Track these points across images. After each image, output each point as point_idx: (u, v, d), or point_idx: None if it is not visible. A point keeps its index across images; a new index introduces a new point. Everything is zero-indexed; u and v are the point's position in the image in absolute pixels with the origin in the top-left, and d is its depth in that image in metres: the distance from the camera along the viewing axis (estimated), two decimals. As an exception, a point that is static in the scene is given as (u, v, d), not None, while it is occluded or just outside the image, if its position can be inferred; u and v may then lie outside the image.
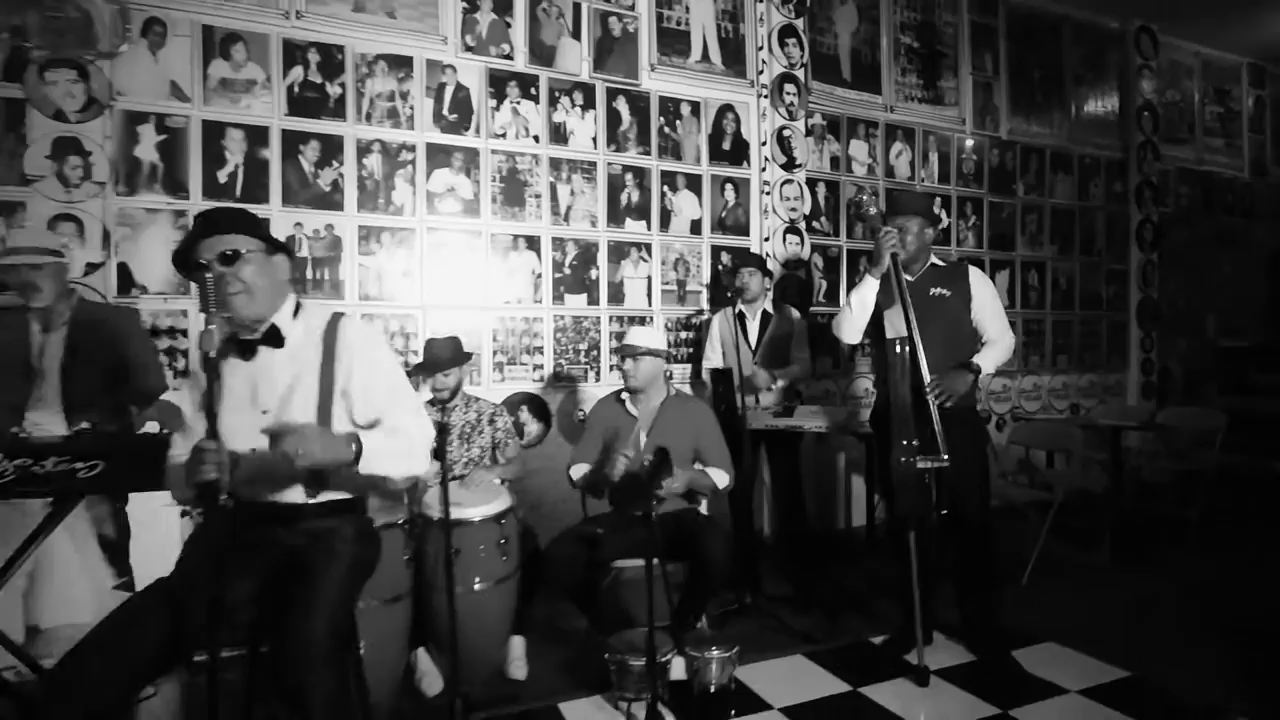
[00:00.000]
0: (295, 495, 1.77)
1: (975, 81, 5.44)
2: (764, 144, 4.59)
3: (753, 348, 3.88)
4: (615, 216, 4.22)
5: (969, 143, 5.41)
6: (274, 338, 1.77)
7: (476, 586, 2.64)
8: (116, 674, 1.53)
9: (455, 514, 2.54)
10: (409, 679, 2.71)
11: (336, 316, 1.86)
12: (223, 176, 3.43)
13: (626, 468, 2.77)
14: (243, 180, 3.46)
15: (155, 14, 3.31)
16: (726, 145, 4.53)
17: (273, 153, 3.51)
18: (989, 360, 2.82)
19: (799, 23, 4.69)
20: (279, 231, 3.48)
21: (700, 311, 4.43)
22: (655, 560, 2.44)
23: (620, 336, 4.18)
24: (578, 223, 4.13)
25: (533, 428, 3.99)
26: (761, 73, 4.59)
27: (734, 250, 4.50)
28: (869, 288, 2.82)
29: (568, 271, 4.10)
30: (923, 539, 2.73)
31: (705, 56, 4.48)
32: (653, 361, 2.95)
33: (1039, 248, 5.75)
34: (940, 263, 2.95)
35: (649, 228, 4.31)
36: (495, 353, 3.93)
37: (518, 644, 2.87)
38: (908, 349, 2.67)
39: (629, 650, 2.55)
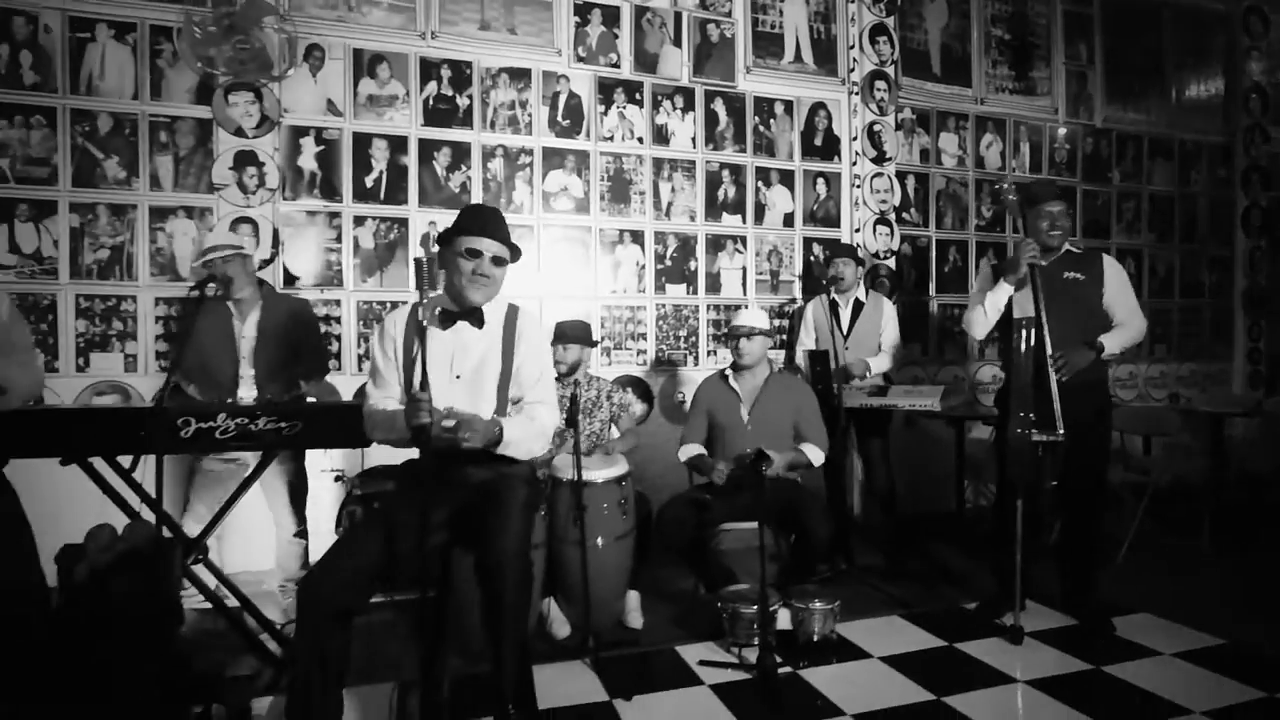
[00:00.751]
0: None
1: (1069, 70, 5.44)
2: (855, 139, 4.77)
3: (845, 333, 4.08)
4: (713, 211, 4.49)
5: (1062, 131, 5.42)
6: (477, 318, 2.13)
7: (599, 542, 2.96)
8: (354, 580, 1.91)
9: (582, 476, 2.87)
10: (540, 625, 3.06)
11: (514, 308, 2.23)
12: (369, 181, 3.89)
13: (730, 473, 3.04)
14: (386, 184, 3.91)
15: (316, 41, 3.79)
16: (818, 141, 4.74)
17: (411, 159, 3.94)
18: (1114, 341, 2.94)
19: (889, 21, 4.85)
20: (417, 229, 3.92)
21: (792, 300, 4.65)
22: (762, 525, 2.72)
23: (717, 324, 4.46)
24: (678, 218, 4.42)
25: (637, 408, 4.31)
26: (853, 71, 4.77)
27: (825, 242, 4.71)
28: (1003, 294, 2.97)
29: (669, 263, 4.40)
30: (1029, 509, 2.89)
31: (798, 57, 4.69)
32: (761, 340, 3.22)
33: (1136, 235, 5.69)
34: (1075, 249, 3.09)
35: (744, 221, 4.56)
36: (603, 339, 4.27)
37: (633, 597, 3.19)
38: (1032, 330, 2.81)
39: (739, 601, 2.83)
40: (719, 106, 4.51)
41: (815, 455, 3.15)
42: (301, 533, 3.31)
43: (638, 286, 4.35)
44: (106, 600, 1.98)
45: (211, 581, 2.71)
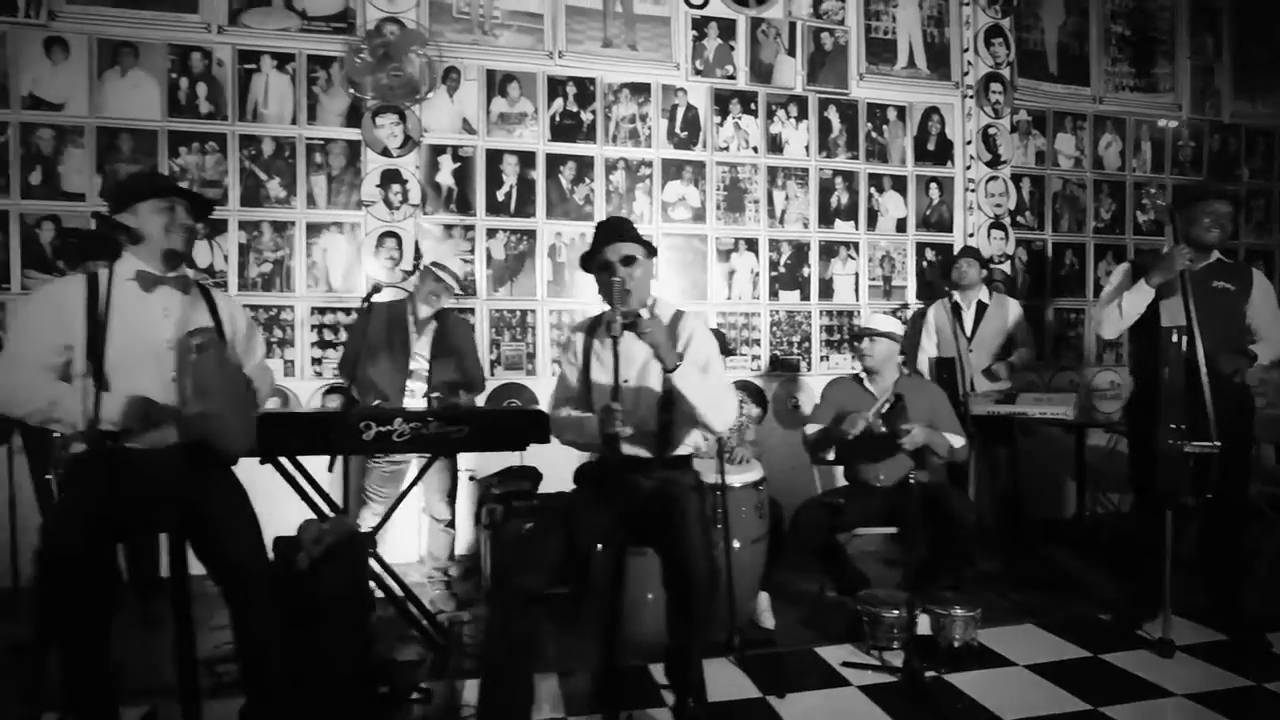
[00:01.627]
0: (647, 450, 2.25)
1: (1193, 65, 5.24)
2: (969, 143, 4.73)
3: (969, 335, 4.07)
4: (826, 218, 4.54)
5: (1172, 124, 5.22)
6: (634, 326, 2.25)
7: (736, 544, 3.06)
8: (541, 569, 2.07)
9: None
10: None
11: (680, 313, 2.34)
12: (500, 195, 4.09)
13: (865, 427, 3.07)
14: (516, 198, 4.11)
15: (452, 63, 4.01)
16: (931, 146, 4.72)
17: (539, 173, 4.13)
18: (1266, 353, 2.89)
19: (1005, 22, 4.78)
20: (544, 240, 4.10)
21: (904, 305, 4.65)
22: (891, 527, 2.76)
23: (830, 329, 4.51)
24: (791, 225, 4.48)
25: (752, 412, 4.39)
26: (967, 74, 4.73)
27: (938, 247, 4.69)
28: (1143, 296, 2.93)
29: (782, 270, 4.46)
30: (1177, 520, 2.85)
31: (911, 62, 4.68)
32: (888, 344, 3.25)
33: (1267, 235, 5.44)
34: (1226, 259, 3.03)
35: (857, 227, 4.59)
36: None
37: (764, 598, 3.28)
38: (1184, 338, 2.77)
39: (879, 605, 2.89)
40: (832, 114, 4.54)
41: (956, 440, 3.14)
42: (451, 524, 3.54)
43: (752, 293, 4.43)
44: (319, 588, 2.19)
45: (382, 573, 2.94)
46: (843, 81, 4.55)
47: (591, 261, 2.30)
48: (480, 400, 4.00)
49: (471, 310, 4.05)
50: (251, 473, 2.54)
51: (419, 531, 3.69)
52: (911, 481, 2.84)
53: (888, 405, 2.90)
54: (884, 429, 3.04)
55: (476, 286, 4.06)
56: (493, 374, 4.06)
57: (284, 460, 2.70)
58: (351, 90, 3.85)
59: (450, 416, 2.77)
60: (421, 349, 3.44)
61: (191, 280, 2.18)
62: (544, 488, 3.61)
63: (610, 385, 2.05)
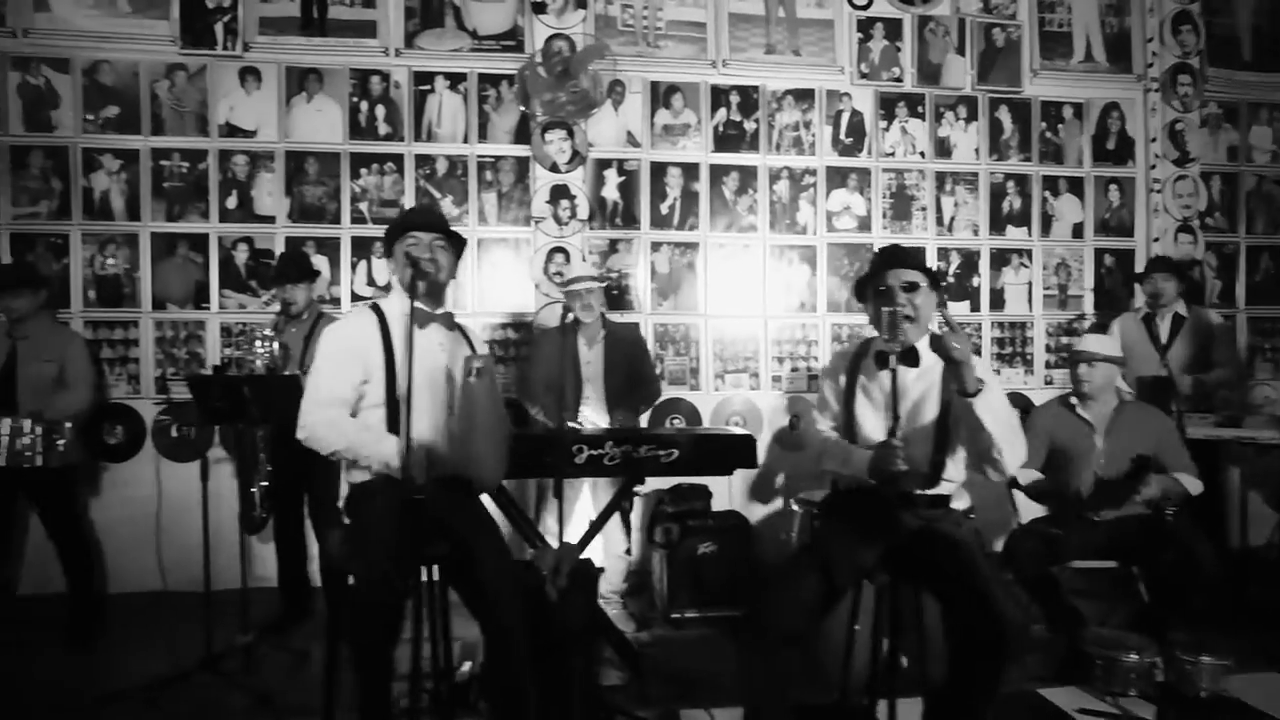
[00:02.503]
0: (915, 486, 2.13)
1: None
2: (1153, 140, 4.39)
3: (1162, 352, 3.78)
4: (996, 224, 4.30)
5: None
6: (911, 357, 2.13)
7: (941, 574, 2.90)
8: (799, 608, 1.98)
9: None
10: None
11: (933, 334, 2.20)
12: (664, 208, 4.04)
13: (1098, 477, 2.87)
14: (679, 210, 4.05)
15: (618, 77, 3.98)
16: (1110, 145, 4.41)
17: (702, 185, 4.06)
18: None
19: (1194, 7, 4.42)
20: (708, 253, 4.03)
21: (1080, 316, 4.36)
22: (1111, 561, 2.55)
23: (1000, 341, 4.27)
24: (960, 232, 4.27)
25: (918, 429, 4.20)
26: (1151, 65, 4.40)
27: (1118, 253, 4.38)
28: None
29: (951, 280, 4.25)
30: None
31: (1088, 56, 4.39)
32: (1108, 369, 3.02)
33: None
34: None
35: (1030, 234, 4.33)
36: (882, 358, 4.19)
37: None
38: None
39: (1113, 647, 2.68)
40: (1003, 114, 4.30)
41: (1192, 484, 2.91)
42: (629, 550, 3.50)
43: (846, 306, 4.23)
44: (567, 618, 2.17)
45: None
46: (1015, 79, 4.30)
47: (866, 287, 2.18)
48: (643, 415, 3.98)
49: (636, 324, 4.01)
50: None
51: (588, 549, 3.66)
52: (1169, 515, 2.62)
53: (1131, 468, 2.69)
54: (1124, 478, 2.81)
55: (641, 301, 4.02)
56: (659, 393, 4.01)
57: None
58: (523, 107, 3.87)
59: (661, 439, 2.72)
60: (592, 361, 3.41)
61: (453, 318, 2.22)
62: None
63: (883, 421, 1.93)
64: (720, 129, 4.08)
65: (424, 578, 2.01)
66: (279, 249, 3.78)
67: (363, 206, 3.86)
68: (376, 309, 2.13)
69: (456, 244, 2.21)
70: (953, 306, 4.26)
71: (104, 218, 3.72)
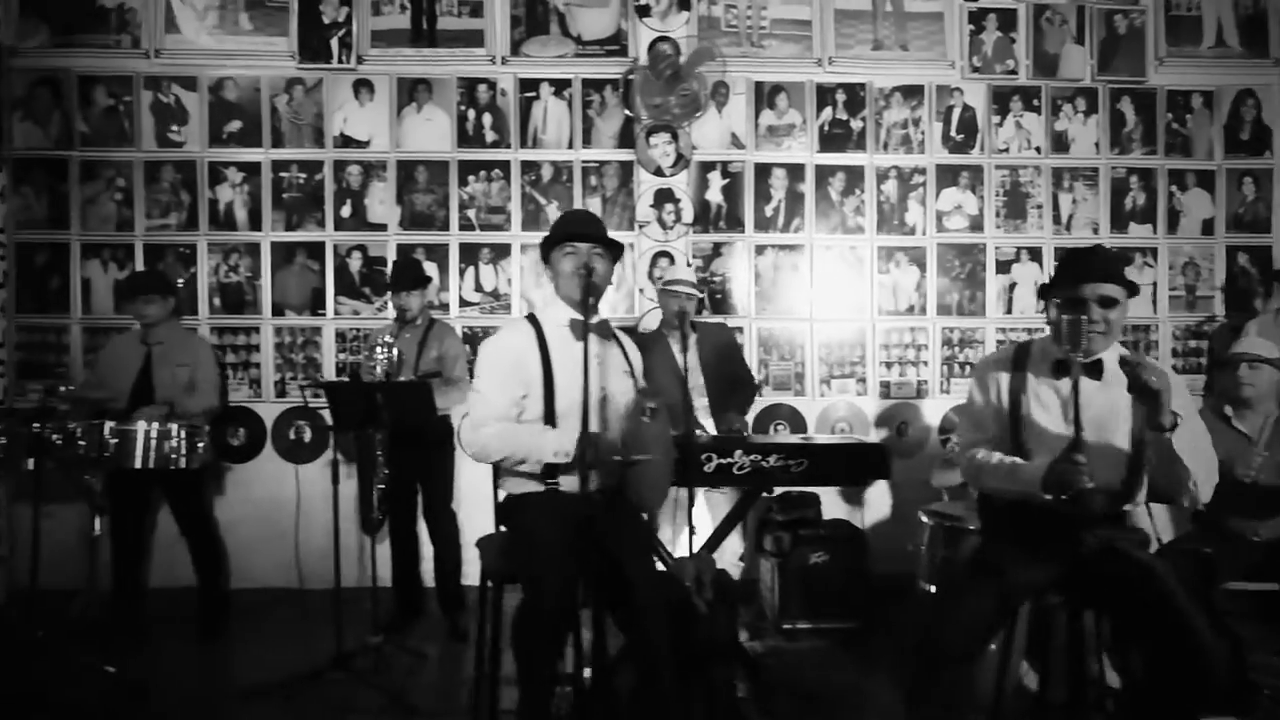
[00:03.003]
0: (1097, 505, 2.01)
1: None
2: (1293, 128, 4.11)
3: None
4: (1118, 221, 4.09)
5: None
6: (1095, 370, 2.02)
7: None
8: (969, 627, 1.90)
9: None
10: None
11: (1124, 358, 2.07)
12: (768, 211, 3.98)
13: (1255, 493, 2.69)
14: (784, 212, 3.98)
15: (722, 79, 3.93)
16: (1244, 135, 4.14)
17: (807, 186, 3.98)
18: None
19: (1344, -20, 4.12)
20: (814, 254, 3.95)
21: (1211, 318, 4.11)
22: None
23: (1124, 344, 4.04)
24: (1079, 230, 4.07)
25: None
26: (1291, 48, 4.11)
27: (1253, 250, 4.11)
28: None
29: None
30: None
31: (1219, 40, 4.13)
32: (1272, 372, 2.82)
33: None
34: None
35: (1154, 231, 4.10)
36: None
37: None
38: None
39: (1283, 677, 2.50)
40: (1125, 106, 4.08)
41: None
42: (743, 557, 3.45)
43: (1036, 306, 4.06)
44: (716, 632, 2.14)
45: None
46: (1139, 68, 4.08)
47: (1051, 291, 2.08)
48: (749, 419, 3.92)
49: (740, 329, 3.95)
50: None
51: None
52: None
53: None
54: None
55: (744, 305, 3.97)
56: (760, 394, 3.95)
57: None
58: (628, 112, 3.87)
59: (789, 450, 2.67)
60: (692, 366, 3.37)
61: (609, 327, 2.21)
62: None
63: (1059, 434, 1.83)
64: (826, 128, 3.99)
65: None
66: (390, 256, 3.87)
67: (470, 213, 3.91)
68: (533, 320, 2.12)
69: (614, 250, 2.19)
70: (1070, 308, 4.06)
71: (228, 228, 3.87)
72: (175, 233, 3.86)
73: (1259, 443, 2.82)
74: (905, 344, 4.02)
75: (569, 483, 2.02)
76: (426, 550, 3.47)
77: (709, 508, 3.31)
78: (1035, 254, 4.06)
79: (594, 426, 1.97)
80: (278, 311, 3.87)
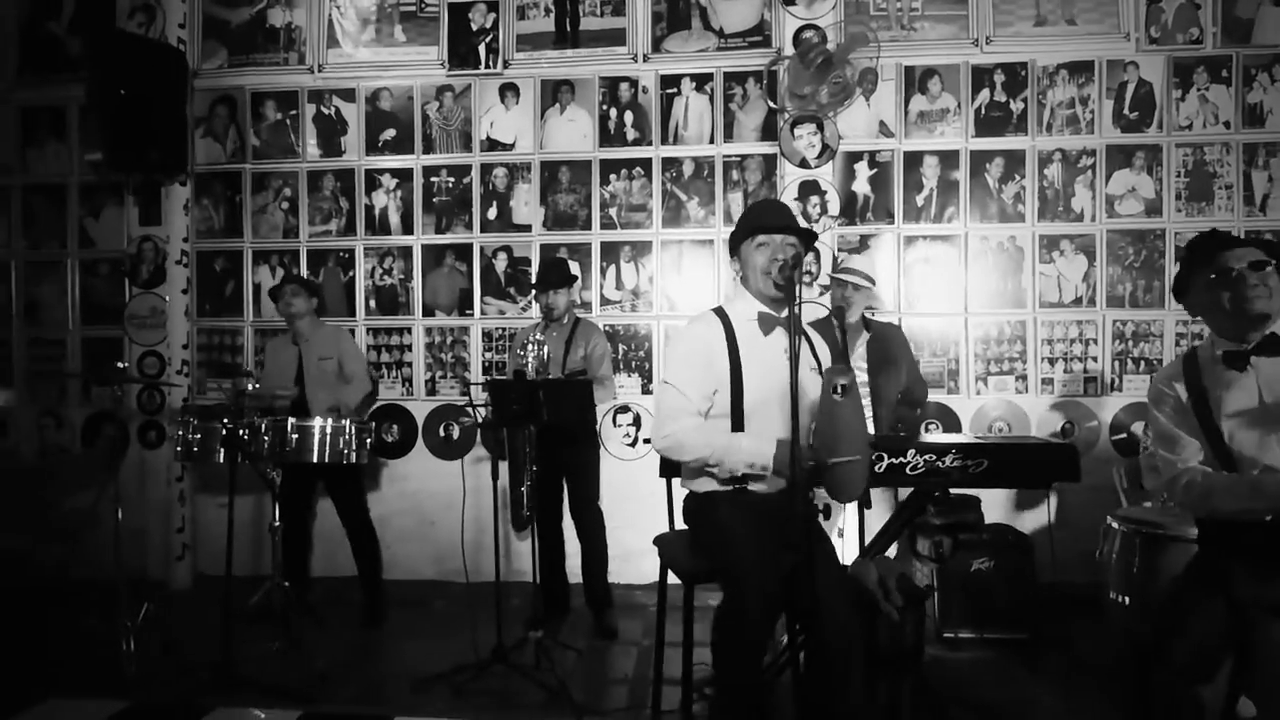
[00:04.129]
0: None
1: None
2: None
3: None
4: (1326, 201, 3.66)
5: None
6: (1275, 347, 1.81)
7: None
8: (1200, 648, 1.71)
9: None
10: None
11: None
12: (919, 200, 3.79)
13: None
14: (936, 202, 3.78)
15: (869, 65, 3.78)
16: None
17: (962, 173, 3.77)
18: None
19: None
20: (969, 245, 3.73)
21: None
22: None
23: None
24: (1277, 211, 3.67)
25: (1224, 441, 3.65)
26: None
27: None
28: None
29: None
30: None
31: None
32: None
33: None
34: None
35: (1379, 207, 3.66)
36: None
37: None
38: None
39: None
40: (1338, 69, 3.66)
41: None
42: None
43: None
44: (907, 638, 2.03)
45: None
46: (1351, 28, 3.64)
47: (1191, 279, 1.90)
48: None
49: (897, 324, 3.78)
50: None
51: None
52: None
53: None
54: None
55: (896, 299, 3.80)
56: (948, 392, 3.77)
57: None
58: (770, 102, 3.78)
59: (968, 449, 2.50)
60: (858, 363, 3.24)
61: (798, 319, 2.13)
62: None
63: (1265, 432, 1.64)
64: (982, 111, 3.77)
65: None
66: (535, 256, 3.93)
67: (611, 212, 3.92)
68: (721, 313, 2.07)
69: (807, 240, 2.11)
70: (1265, 299, 3.67)
71: (383, 232, 4.04)
72: (335, 238, 4.06)
73: None
74: (1072, 338, 3.74)
75: (758, 483, 1.96)
76: (571, 547, 3.50)
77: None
78: (1224, 239, 3.68)
79: (786, 428, 1.90)
80: (428, 312, 4.01)
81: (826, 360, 2.19)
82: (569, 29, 3.93)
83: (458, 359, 4.00)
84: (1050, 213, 3.74)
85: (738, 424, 1.96)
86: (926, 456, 2.53)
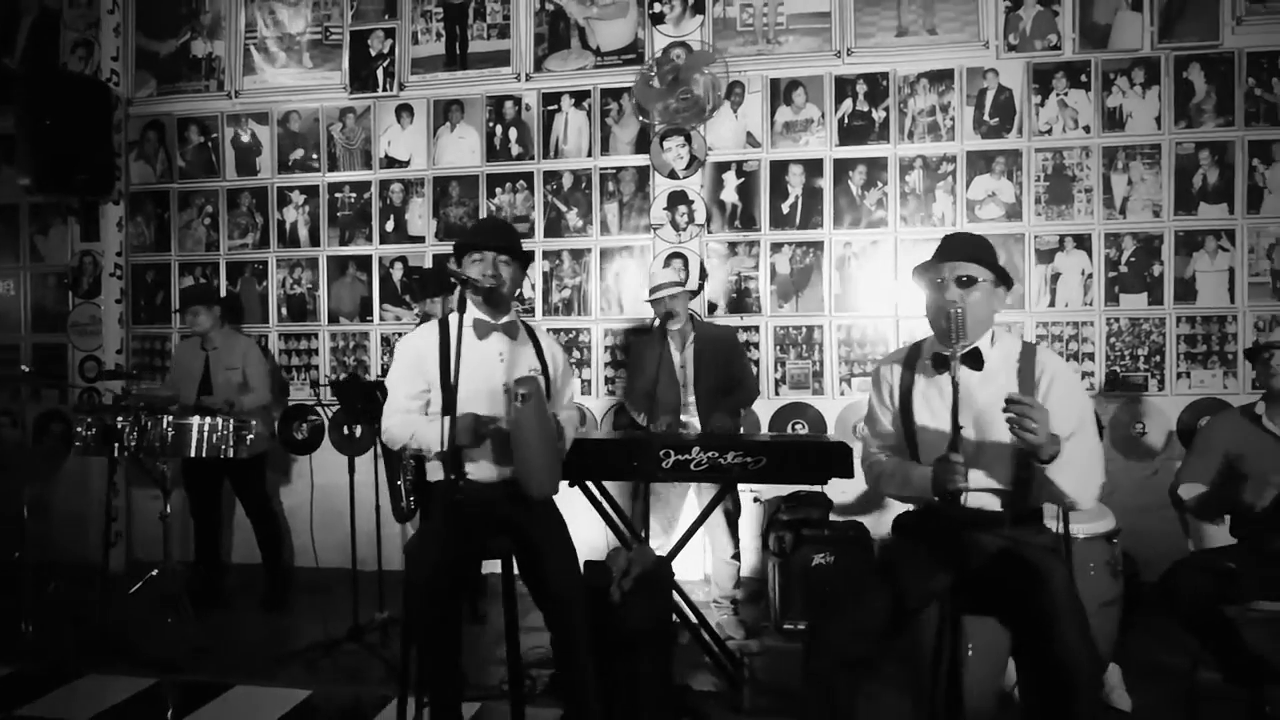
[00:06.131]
0: (993, 504, 1.92)
1: None
2: None
3: None
4: (1185, 202, 3.68)
5: None
6: (974, 359, 1.93)
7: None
8: (861, 631, 1.85)
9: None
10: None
11: (1030, 347, 1.96)
12: (785, 208, 3.94)
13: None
14: (801, 209, 3.92)
15: (736, 78, 3.94)
16: (1352, 95, 3.60)
17: (826, 181, 3.90)
18: None
19: None
20: (833, 252, 3.86)
21: (1307, 306, 3.61)
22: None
23: (1191, 339, 3.66)
24: (1136, 214, 3.71)
25: (1083, 440, 3.70)
26: None
27: (1362, 227, 3.57)
28: None
29: (1124, 269, 3.71)
30: None
31: (1318, -10, 3.62)
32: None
33: None
34: None
35: (1231, 211, 3.66)
36: (1038, 360, 3.76)
37: (1115, 672, 2.71)
38: None
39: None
40: (1194, 74, 3.67)
41: None
42: (737, 555, 3.45)
43: (1083, 299, 3.74)
44: (630, 620, 2.21)
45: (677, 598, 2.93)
46: (1211, 31, 3.66)
47: (923, 276, 2.01)
48: (764, 420, 3.90)
49: (756, 328, 3.94)
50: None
51: (703, 550, 3.66)
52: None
53: None
54: None
55: (761, 303, 3.95)
56: (777, 393, 3.92)
57: (590, 485, 2.83)
58: (641, 117, 3.97)
59: (749, 446, 2.68)
60: (685, 365, 3.40)
61: (519, 325, 2.34)
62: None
63: (945, 432, 1.76)
64: (845, 121, 3.89)
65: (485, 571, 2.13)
66: (427, 265, 4.19)
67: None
68: (444, 323, 2.28)
69: (521, 259, 2.32)
70: (1129, 299, 3.72)
71: (293, 245, 4.36)
72: (251, 251, 4.39)
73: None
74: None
75: (476, 471, 2.18)
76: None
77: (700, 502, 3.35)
78: (1083, 241, 3.74)
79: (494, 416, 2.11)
80: (333, 319, 4.31)
81: (557, 361, 2.38)
82: (458, 52, 4.18)
83: (359, 362, 4.29)
84: (913, 218, 3.85)
85: (452, 414, 2.15)
86: (710, 454, 2.73)
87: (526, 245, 4.03)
